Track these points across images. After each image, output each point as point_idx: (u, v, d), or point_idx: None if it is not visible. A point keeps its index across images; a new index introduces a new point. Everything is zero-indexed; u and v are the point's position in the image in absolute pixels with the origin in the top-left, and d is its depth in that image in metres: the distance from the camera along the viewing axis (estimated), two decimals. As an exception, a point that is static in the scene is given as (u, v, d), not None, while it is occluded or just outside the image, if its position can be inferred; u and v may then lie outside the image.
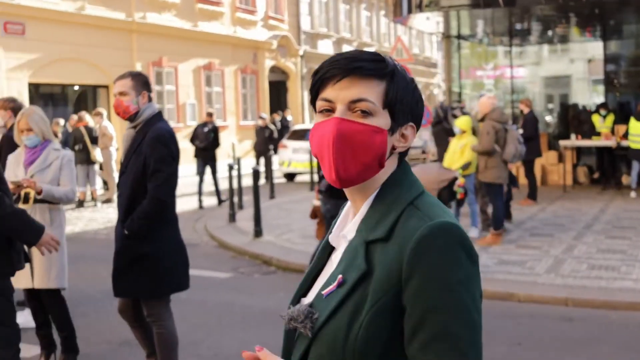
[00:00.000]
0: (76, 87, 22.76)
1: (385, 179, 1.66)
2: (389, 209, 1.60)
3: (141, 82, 4.89)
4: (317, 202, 9.34)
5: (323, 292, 1.61)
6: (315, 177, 18.85)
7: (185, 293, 7.96)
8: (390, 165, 1.67)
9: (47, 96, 22.17)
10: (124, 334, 6.30)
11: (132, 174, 4.77)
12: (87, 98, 23.36)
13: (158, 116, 4.93)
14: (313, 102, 1.68)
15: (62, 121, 17.53)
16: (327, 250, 1.76)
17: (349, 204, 1.75)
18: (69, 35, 20.93)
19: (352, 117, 1.59)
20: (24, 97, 19.29)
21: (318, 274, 1.75)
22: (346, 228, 1.68)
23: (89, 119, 16.45)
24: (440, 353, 1.45)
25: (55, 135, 16.41)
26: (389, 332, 1.51)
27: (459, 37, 19.84)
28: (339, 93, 1.60)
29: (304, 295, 1.74)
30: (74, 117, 17.36)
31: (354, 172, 1.60)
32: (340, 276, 1.57)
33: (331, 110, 1.62)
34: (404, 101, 1.64)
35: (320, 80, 1.63)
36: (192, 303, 7.64)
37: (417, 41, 47.19)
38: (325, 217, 8.18)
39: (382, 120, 1.61)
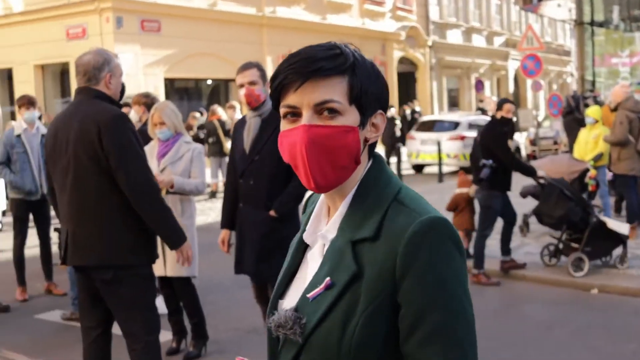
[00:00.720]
0: (209, 82, 23.44)
1: (362, 176, 1.60)
2: (372, 206, 1.55)
3: (264, 72, 5.12)
4: (461, 191, 9.25)
5: (308, 296, 1.54)
6: (445, 168, 18.65)
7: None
8: (364, 159, 1.60)
9: (182, 90, 22.97)
10: (252, 322, 6.45)
11: (269, 159, 4.90)
12: (219, 92, 24.03)
13: None
14: (276, 107, 1.60)
15: (198, 114, 18.09)
16: (301, 248, 1.70)
17: (321, 199, 1.68)
18: (202, 31, 21.57)
19: (321, 121, 1.52)
20: (159, 92, 20.05)
21: (294, 274, 1.70)
22: (324, 227, 1.62)
23: (221, 112, 16.88)
24: (439, 350, 1.43)
25: (191, 128, 16.99)
26: (385, 331, 1.48)
27: (592, 23, 19.11)
28: (302, 98, 1.52)
29: (281, 297, 1.68)
30: (195, 114, 17.85)
31: (332, 177, 1.54)
32: (327, 278, 1.52)
33: (297, 115, 1.55)
34: (369, 92, 1.56)
35: (280, 86, 1.54)
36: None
37: (550, 29, 45.79)
38: (481, 206, 8.09)
39: (351, 117, 1.54)
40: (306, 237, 1.68)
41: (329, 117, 1.52)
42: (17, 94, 21.14)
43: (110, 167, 4.07)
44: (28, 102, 7.85)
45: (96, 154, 4.06)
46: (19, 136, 7.74)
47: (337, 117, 1.52)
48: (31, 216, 8.00)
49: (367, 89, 1.56)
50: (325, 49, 1.54)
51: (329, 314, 1.50)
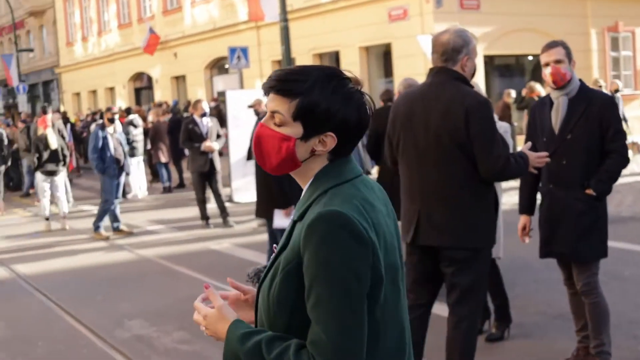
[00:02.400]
0: (530, 58, 22.88)
1: (317, 172, 2.02)
2: (311, 195, 1.99)
3: (569, 51, 4.98)
4: None
5: (271, 258, 2.04)
6: None
7: (628, 270, 7.68)
8: (320, 162, 2.02)
9: (502, 67, 22.68)
10: (560, 307, 6.27)
11: (583, 137, 4.84)
12: (540, 68, 23.35)
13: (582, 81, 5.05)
14: None
15: (513, 92, 17.79)
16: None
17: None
18: (521, 6, 21.07)
19: (270, 124, 2.00)
20: (478, 69, 19.97)
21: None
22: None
23: (540, 88, 16.43)
24: (316, 317, 1.85)
25: (508, 107, 16.78)
26: (295, 293, 1.90)
27: None
28: (268, 103, 2.00)
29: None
30: (509, 91, 17.48)
31: (270, 167, 2.04)
32: (274, 245, 2.08)
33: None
34: (316, 112, 1.95)
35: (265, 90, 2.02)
36: (634, 281, 7.29)
37: None
38: None
39: (293, 129, 1.97)
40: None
41: (277, 124, 1.99)
42: (344, 75, 22.37)
43: (473, 153, 4.21)
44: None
45: (462, 140, 4.21)
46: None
47: (281, 126, 1.98)
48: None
49: (315, 109, 1.95)
50: (293, 74, 1.98)
51: (267, 274, 2.00)
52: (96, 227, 11.91)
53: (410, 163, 4.45)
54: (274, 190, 7.03)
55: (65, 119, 22.70)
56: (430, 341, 4.64)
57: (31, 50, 43.97)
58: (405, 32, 20.04)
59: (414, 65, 19.16)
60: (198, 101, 12.55)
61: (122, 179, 12.13)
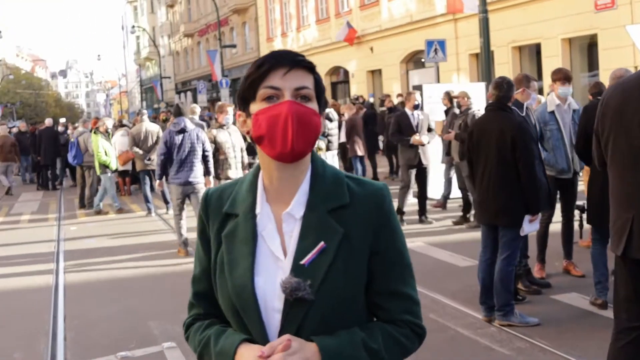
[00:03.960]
0: None
1: (309, 159, 1.97)
2: (334, 181, 1.94)
3: None
4: None
5: (302, 262, 1.85)
6: None
7: None
8: None
9: None
10: None
11: None
12: None
13: None
14: (250, 91, 1.91)
15: None
16: (250, 230, 1.93)
17: (247, 183, 2.00)
18: None
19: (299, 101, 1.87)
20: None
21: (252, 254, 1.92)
22: (266, 209, 1.94)
23: None
24: (403, 281, 1.96)
25: None
26: (363, 274, 1.91)
27: None
28: (285, 82, 1.86)
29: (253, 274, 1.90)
30: None
31: (305, 147, 1.87)
32: (322, 243, 1.86)
33: (276, 97, 1.87)
34: (322, 89, 1.96)
35: (267, 71, 1.88)
36: None
37: None
38: None
39: (315, 106, 1.91)
40: (260, 221, 1.93)
41: (303, 102, 1.88)
42: (545, 68, 21.50)
43: None
44: (564, 77, 7.71)
45: None
46: (552, 112, 7.66)
47: (308, 102, 1.89)
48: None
49: (323, 90, 1.97)
50: (298, 53, 1.92)
51: (331, 272, 1.84)
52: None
53: (622, 164, 3.95)
54: (528, 194, 6.21)
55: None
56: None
57: (234, 46, 45.91)
58: (613, 22, 18.85)
59: (622, 58, 17.98)
60: (410, 93, 12.22)
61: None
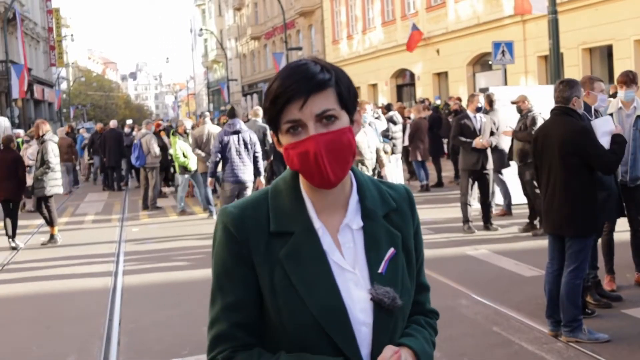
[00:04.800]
0: None
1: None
2: (375, 187, 1.97)
3: None
4: None
5: (379, 271, 1.86)
6: None
7: None
8: None
9: None
10: None
11: None
12: None
13: None
14: (274, 121, 1.81)
15: None
16: (318, 247, 1.85)
17: (286, 198, 1.89)
18: None
19: (323, 127, 1.77)
20: None
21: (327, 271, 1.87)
22: (344, 220, 1.88)
23: None
24: (423, 273, 2.09)
25: None
26: (414, 271, 1.99)
27: None
28: (304, 113, 1.76)
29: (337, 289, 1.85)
30: None
31: (345, 170, 1.82)
32: (392, 250, 1.90)
33: (299, 127, 1.77)
34: (350, 95, 1.83)
35: (283, 105, 1.76)
36: None
37: None
38: None
39: (344, 119, 1.81)
40: (321, 233, 1.86)
41: (328, 123, 1.78)
42: (617, 70, 20.81)
43: None
44: (628, 79, 7.31)
45: None
46: (610, 115, 7.24)
47: (335, 122, 1.79)
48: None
49: (348, 93, 1.82)
50: (314, 67, 1.79)
51: (403, 274, 1.91)
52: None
53: None
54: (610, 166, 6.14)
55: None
56: None
57: (300, 48, 45.95)
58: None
59: (700, 59, 17.26)
60: (473, 95, 11.83)
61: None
